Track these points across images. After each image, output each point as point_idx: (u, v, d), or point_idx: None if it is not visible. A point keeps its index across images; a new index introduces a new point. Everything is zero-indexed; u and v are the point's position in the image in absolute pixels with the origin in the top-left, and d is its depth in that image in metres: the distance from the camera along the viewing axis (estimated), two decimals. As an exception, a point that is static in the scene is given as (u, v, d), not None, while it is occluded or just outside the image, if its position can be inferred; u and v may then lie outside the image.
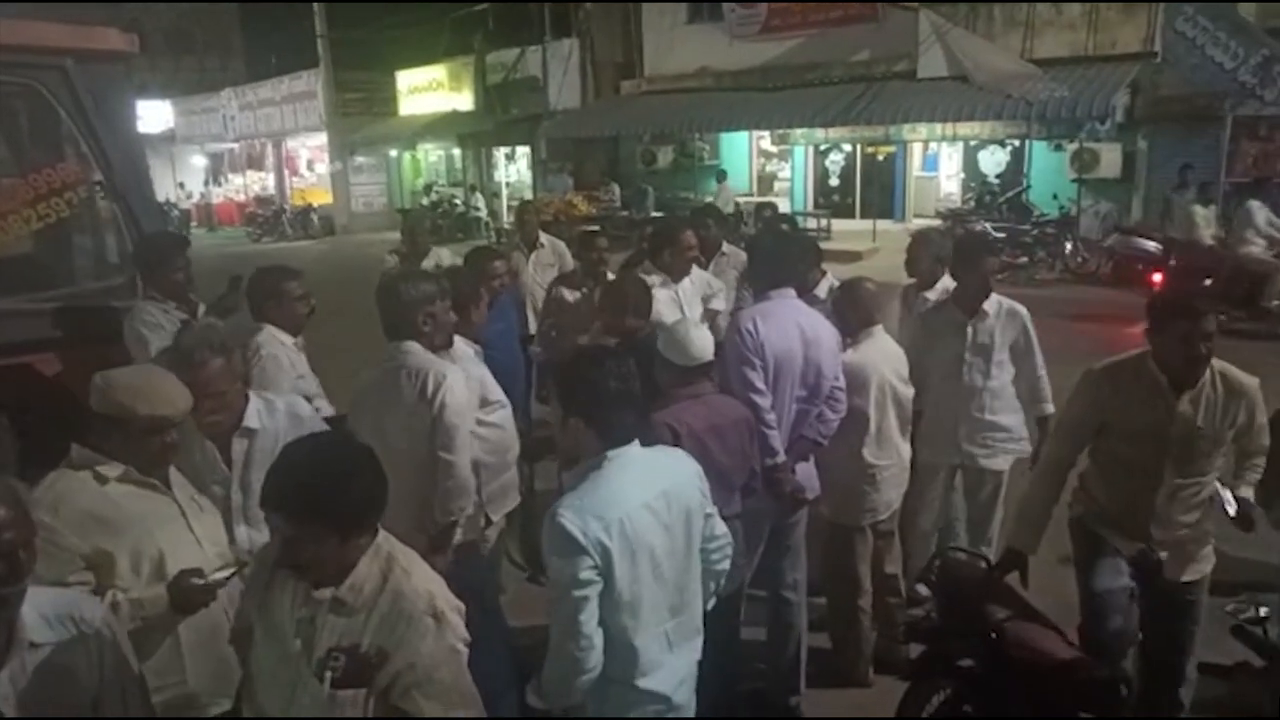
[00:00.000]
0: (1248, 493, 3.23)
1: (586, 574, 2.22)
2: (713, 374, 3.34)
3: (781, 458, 3.56)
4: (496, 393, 3.77)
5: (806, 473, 3.73)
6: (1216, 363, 3.13)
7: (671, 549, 2.38)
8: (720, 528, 2.61)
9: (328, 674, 1.93)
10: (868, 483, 4.02)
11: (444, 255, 6.65)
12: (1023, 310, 4.29)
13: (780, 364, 3.54)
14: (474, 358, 3.76)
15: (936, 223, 16.62)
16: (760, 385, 3.50)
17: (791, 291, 3.81)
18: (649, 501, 2.33)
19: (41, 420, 3.71)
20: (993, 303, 4.24)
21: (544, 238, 6.96)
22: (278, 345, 3.85)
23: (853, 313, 4.02)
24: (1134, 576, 3.26)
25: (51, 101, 4.46)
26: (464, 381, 3.40)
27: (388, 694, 1.98)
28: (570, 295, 5.59)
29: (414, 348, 3.35)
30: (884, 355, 4.05)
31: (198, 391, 2.64)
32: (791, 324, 3.62)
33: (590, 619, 2.24)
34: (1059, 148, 16.24)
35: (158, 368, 2.71)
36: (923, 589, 4.16)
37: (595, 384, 2.34)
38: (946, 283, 4.68)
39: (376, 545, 2.04)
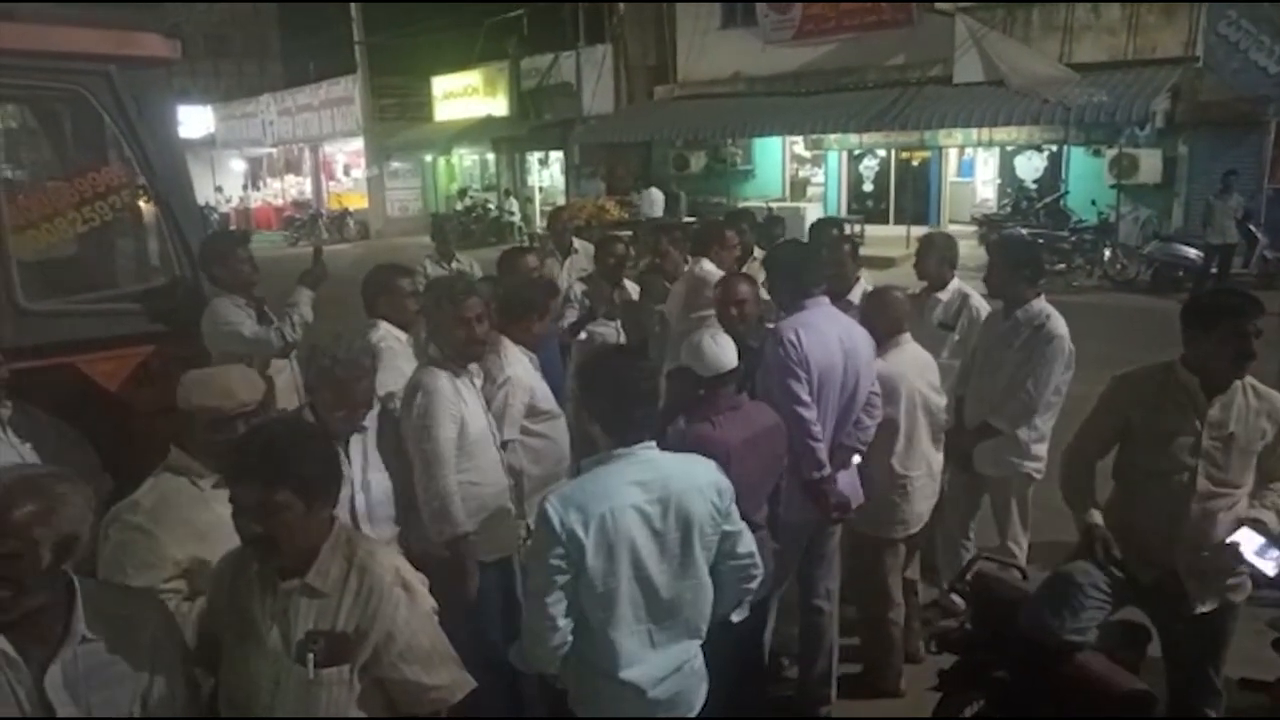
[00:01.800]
0: (1270, 517, 3.08)
1: (556, 561, 2.30)
2: (740, 384, 3.30)
3: (827, 470, 3.52)
4: (549, 403, 3.72)
5: (848, 481, 3.69)
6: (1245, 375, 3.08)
7: (661, 553, 2.39)
8: (745, 547, 2.56)
9: (310, 656, 2.00)
10: (898, 494, 3.98)
11: (468, 263, 6.79)
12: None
13: (823, 374, 3.50)
14: (527, 364, 3.73)
15: (972, 228, 16.52)
16: (806, 398, 3.44)
17: (825, 298, 3.78)
18: (641, 504, 2.36)
19: (86, 420, 3.78)
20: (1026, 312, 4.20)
21: (577, 243, 6.99)
22: (394, 341, 3.92)
23: (881, 321, 3.98)
24: (1147, 605, 3.19)
25: (96, 106, 4.52)
26: (475, 401, 3.39)
27: (371, 667, 2.06)
28: (590, 298, 5.64)
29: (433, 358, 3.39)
30: (914, 364, 4.02)
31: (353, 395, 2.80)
32: (831, 333, 3.59)
33: (557, 602, 2.33)
34: (1098, 153, 16.03)
35: (236, 365, 2.79)
36: (955, 599, 4.13)
37: (609, 383, 2.43)
38: (957, 284, 4.78)
39: (336, 532, 2.10)
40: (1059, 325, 4.12)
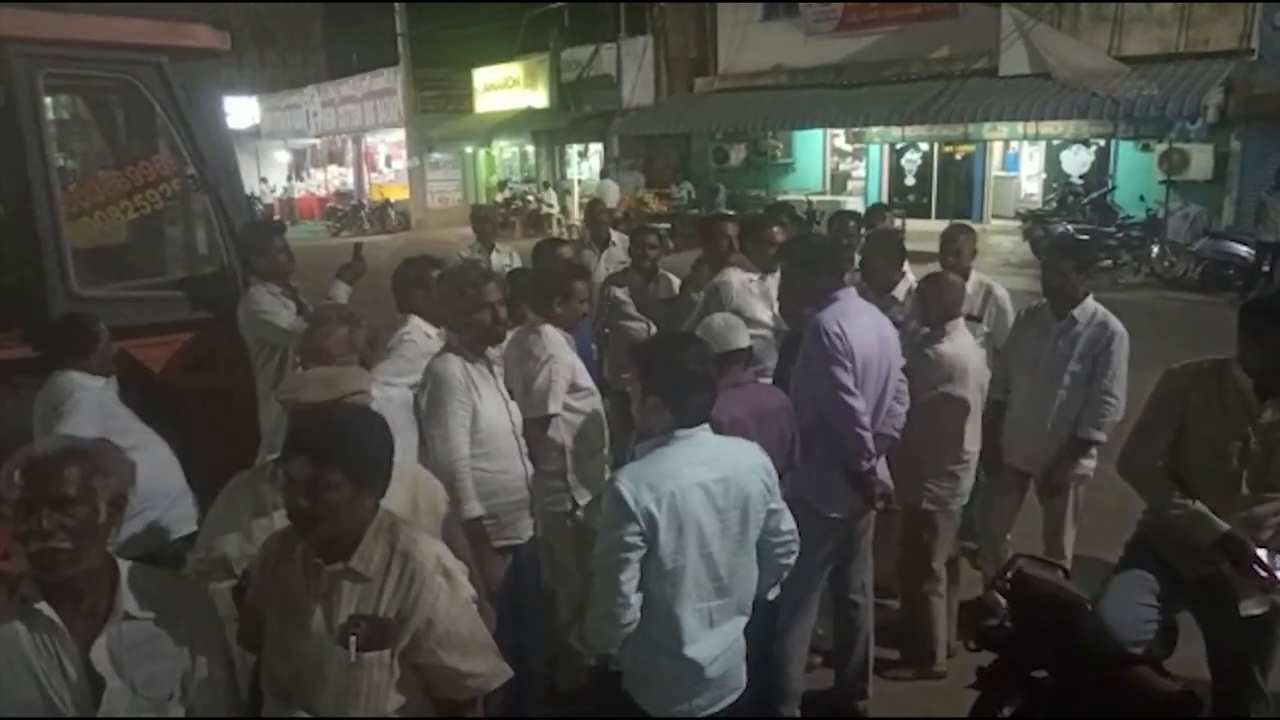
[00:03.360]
0: None
1: (631, 538, 2.36)
2: (750, 363, 3.47)
3: (875, 460, 3.53)
4: (586, 380, 3.85)
5: (881, 471, 3.69)
6: None
7: (723, 532, 2.48)
8: (787, 524, 2.66)
9: (352, 639, 2.03)
10: (961, 469, 4.14)
11: (508, 252, 6.83)
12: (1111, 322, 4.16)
13: (864, 365, 3.50)
14: (565, 345, 3.82)
15: (1015, 223, 16.30)
16: (853, 387, 3.43)
17: (853, 290, 3.79)
18: (706, 483, 2.45)
19: (135, 404, 3.86)
20: (1082, 311, 4.15)
21: (615, 235, 6.99)
22: (421, 335, 3.93)
23: (938, 304, 4.11)
24: (1193, 605, 3.12)
25: (147, 96, 4.61)
26: (491, 390, 3.43)
27: (410, 652, 2.09)
28: (621, 293, 5.63)
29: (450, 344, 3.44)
30: (971, 345, 4.21)
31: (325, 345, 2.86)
32: (867, 323, 3.59)
33: (630, 580, 2.39)
34: (1147, 148, 15.71)
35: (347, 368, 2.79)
36: (996, 596, 4.09)
37: (675, 366, 2.50)
38: (977, 276, 4.91)
39: (379, 519, 2.12)
40: (1117, 322, 4.13)
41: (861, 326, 3.53)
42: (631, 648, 2.51)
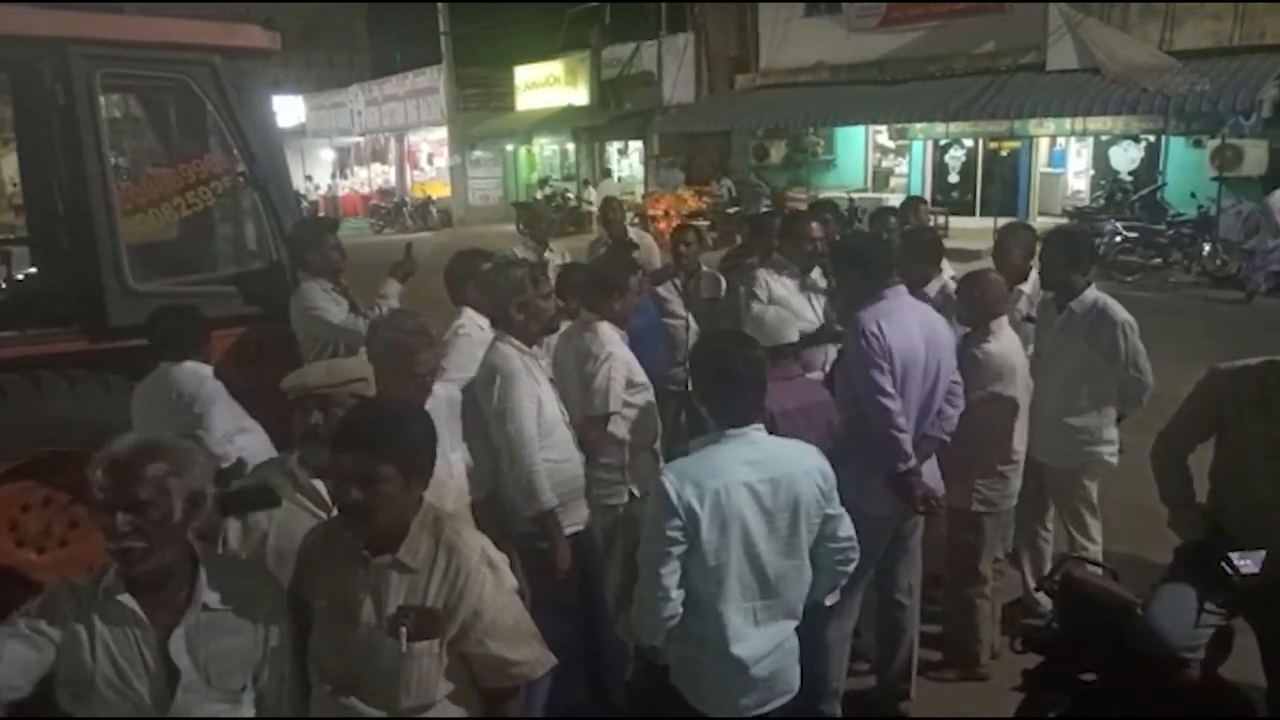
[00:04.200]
0: None
1: (673, 533, 2.40)
2: (799, 357, 3.52)
3: (913, 461, 3.48)
4: (641, 375, 3.87)
5: (930, 472, 3.66)
6: None
7: (770, 533, 2.48)
8: (845, 531, 2.64)
9: (402, 630, 2.05)
10: (1011, 469, 4.10)
11: (560, 250, 6.80)
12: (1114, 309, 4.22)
13: (906, 365, 3.47)
14: (620, 341, 3.85)
15: (1063, 221, 16.03)
16: (890, 389, 3.41)
17: (903, 288, 3.74)
18: (753, 482, 2.45)
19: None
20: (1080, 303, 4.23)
21: (633, 233, 6.93)
22: (474, 329, 3.99)
23: (982, 303, 4.05)
24: (1245, 610, 3.04)
25: (200, 95, 4.70)
26: (546, 381, 3.48)
27: (457, 642, 2.11)
28: (663, 291, 5.62)
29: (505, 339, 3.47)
30: (1016, 344, 4.15)
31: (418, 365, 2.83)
32: (912, 322, 3.55)
33: (671, 574, 2.43)
34: (1198, 144, 15.35)
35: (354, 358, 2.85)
36: (1043, 598, 4.04)
37: (724, 367, 2.51)
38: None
39: (424, 511, 2.15)
40: (1120, 310, 4.19)
41: (905, 326, 3.50)
42: (677, 643, 2.54)
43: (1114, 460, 4.33)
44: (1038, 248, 4.81)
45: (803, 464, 2.56)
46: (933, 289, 4.76)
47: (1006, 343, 4.06)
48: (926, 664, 4.10)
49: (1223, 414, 3.11)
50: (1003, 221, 16.95)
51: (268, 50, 5.04)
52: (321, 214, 27.91)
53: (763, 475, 2.47)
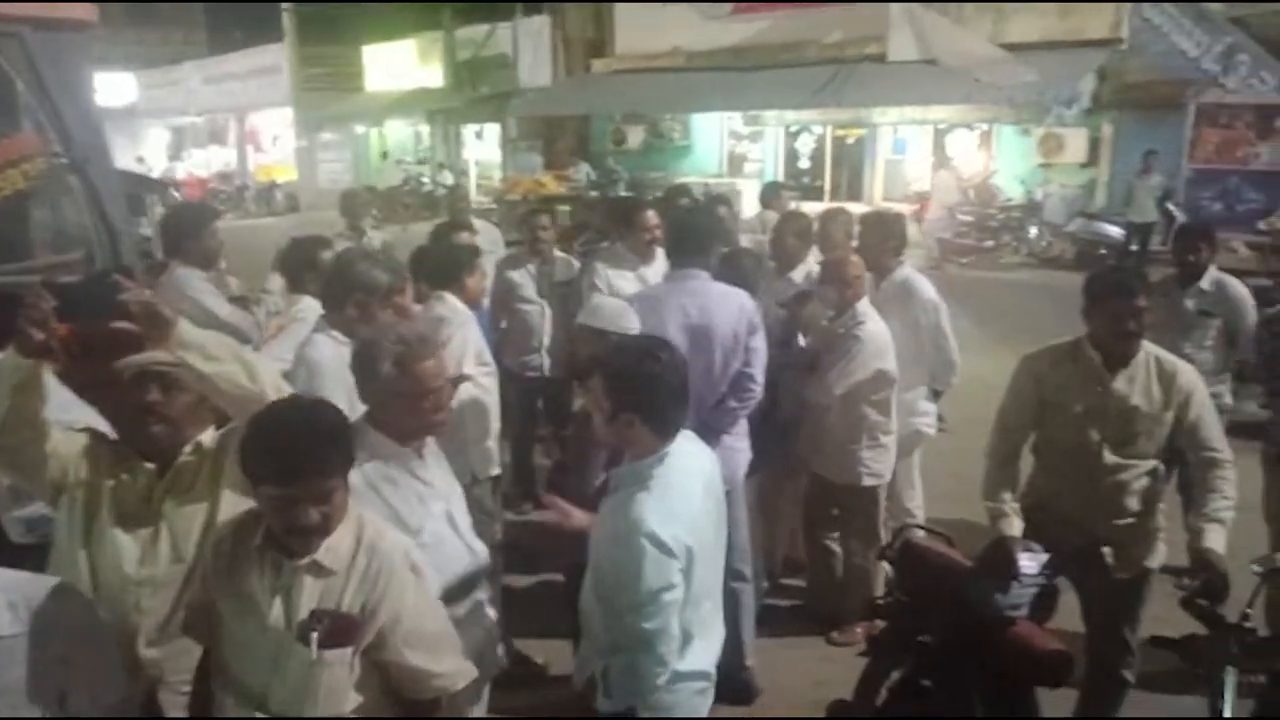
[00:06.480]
0: (1217, 540, 2.95)
1: (676, 577, 2.20)
2: None
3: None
4: (488, 356, 3.87)
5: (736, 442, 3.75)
6: (1150, 347, 3.19)
7: (716, 538, 2.41)
8: (740, 512, 2.71)
9: (313, 636, 1.92)
10: (891, 440, 4.34)
11: (378, 238, 6.84)
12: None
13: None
14: (470, 319, 3.84)
15: (904, 206, 16.76)
16: None
17: (697, 272, 3.79)
18: (702, 495, 2.36)
19: None
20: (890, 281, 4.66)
21: (477, 223, 6.88)
22: (314, 315, 3.76)
23: (845, 287, 4.22)
24: (1070, 572, 3.28)
25: (8, 70, 4.35)
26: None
27: (375, 650, 2.00)
28: (518, 276, 5.58)
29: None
30: (883, 323, 4.32)
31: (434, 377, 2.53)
32: (674, 310, 3.63)
33: (676, 619, 2.23)
34: (1026, 132, 16.36)
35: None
36: (885, 565, 4.23)
37: (653, 378, 2.28)
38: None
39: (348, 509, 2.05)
40: (926, 287, 4.59)
41: (659, 314, 3.57)
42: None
43: (931, 431, 4.72)
44: (856, 230, 5.15)
45: (709, 455, 2.51)
46: (799, 274, 4.88)
47: (878, 322, 4.26)
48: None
49: (1042, 395, 3.31)
50: (851, 207, 17.62)
51: (85, 22, 4.70)
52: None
53: (701, 483, 2.38)
